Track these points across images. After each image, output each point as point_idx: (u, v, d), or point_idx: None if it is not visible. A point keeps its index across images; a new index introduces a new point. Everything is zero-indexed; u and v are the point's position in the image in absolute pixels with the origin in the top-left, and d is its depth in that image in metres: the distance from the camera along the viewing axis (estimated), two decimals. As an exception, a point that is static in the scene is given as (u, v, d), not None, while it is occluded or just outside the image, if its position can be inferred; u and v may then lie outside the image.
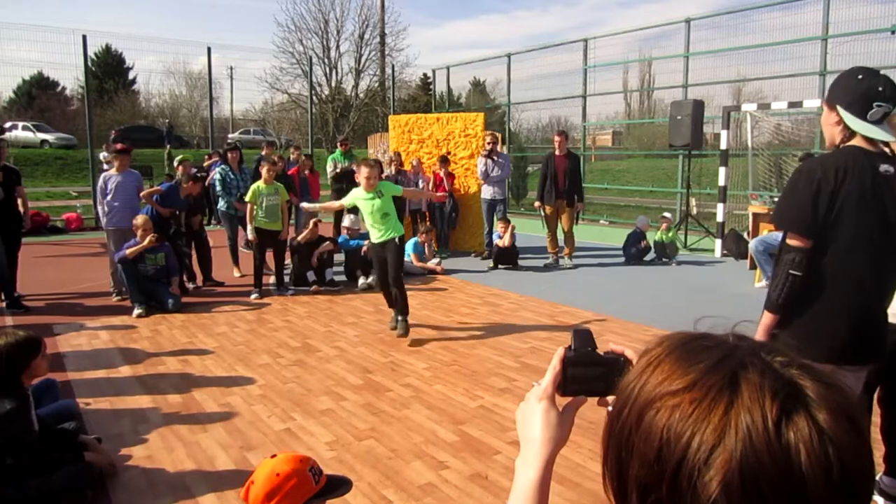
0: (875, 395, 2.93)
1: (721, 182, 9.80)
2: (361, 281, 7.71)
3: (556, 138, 8.75)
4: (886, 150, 2.16)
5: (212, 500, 3.04)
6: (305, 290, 7.56)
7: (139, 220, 6.60)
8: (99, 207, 7.12)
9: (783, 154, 11.44)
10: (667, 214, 9.59)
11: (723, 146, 9.79)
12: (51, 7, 61.82)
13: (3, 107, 28.87)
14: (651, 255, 9.33)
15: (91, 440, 3.41)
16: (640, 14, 76.98)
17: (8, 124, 21.44)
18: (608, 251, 10.04)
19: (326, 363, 5.01)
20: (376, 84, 30.56)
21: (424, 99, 28.93)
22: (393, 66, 22.16)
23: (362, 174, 5.53)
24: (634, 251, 9.19)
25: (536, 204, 9.15)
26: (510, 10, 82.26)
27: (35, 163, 20.39)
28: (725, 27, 12.86)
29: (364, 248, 7.79)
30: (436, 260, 8.88)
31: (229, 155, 8.59)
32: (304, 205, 6.83)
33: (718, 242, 9.89)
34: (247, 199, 7.18)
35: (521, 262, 8.96)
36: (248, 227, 7.17)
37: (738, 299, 6.86)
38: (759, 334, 2.23)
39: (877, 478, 2.91)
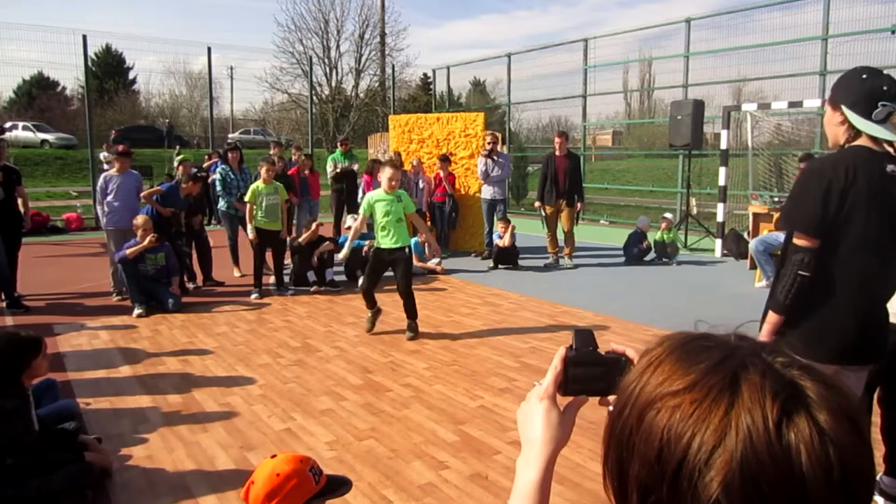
0: (875, 395, 2.93)
1: (721, 182, 9.80)
2: (361, 281, 7.70)
3: (557, 139, 8.75)
4: (890, 149, 2.16)
5: (212, 500, 3.04)
6: (305, 290, 7.56)
7: (139, 220, 6.61)
8: (98, 208, 7.11)
9: (783, 154, 11.44)
10: (668, 215, 9.59)
11: (723, 146, 9.79)
12: (51, 7, 61.87)
13: (4, 107, 28.87)
14: (651, 255, 9.33)
15: (91, 440, 3.41)
16: (640, 14, 77.00)
17: (8, 124, 21.44)
18: (608, 251, 10.04)
19: (326, 363, 5.01)
20: (376, 84, 30.57)
21: (424, 99, 28.93)
22: (393, 66, 22.17)
23: (385, 174, 5.47)
24: (636, 251, 9.19)
25: (536, 204, 9.15)
26: (510, 10, 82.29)
27: (35, 163, 20.39)
28: (725, 27, 12.87)
29: (365, 249, 7.79)
30: (436, 260, 8.87)
31: (229, 155, 8.59)
32: (339, 257, 6.23)
33: (719, 242, 9.89)
34: (246, 199, 7.18)
35: (521, 262, 8.95)
36: (249, 227, 7.16)
37: (738, 299, 6.86)
38: (765, 335, 2.22)
39: (877, 478, 2.91)
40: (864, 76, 2.12)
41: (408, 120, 10.99)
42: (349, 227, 8.20)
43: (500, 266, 8.81)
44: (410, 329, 5.67)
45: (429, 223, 9.79)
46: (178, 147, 18.75)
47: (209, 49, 16.05)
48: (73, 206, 14.26)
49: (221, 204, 8.33)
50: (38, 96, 28.57)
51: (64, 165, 21.00)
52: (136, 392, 4.44)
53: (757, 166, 11.33)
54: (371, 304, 5.78)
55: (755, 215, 8.70)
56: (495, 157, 9.30)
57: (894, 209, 2.11)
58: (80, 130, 20.42)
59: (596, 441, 3.33)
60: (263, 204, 7.10)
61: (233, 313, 6.59)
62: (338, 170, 10.31)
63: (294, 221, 9.17)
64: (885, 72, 2.16)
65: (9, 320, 6.25)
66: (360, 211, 5.60)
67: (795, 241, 2.18)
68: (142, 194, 7.19)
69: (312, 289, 7.54)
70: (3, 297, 6.71)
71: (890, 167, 2.11)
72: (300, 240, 7.78)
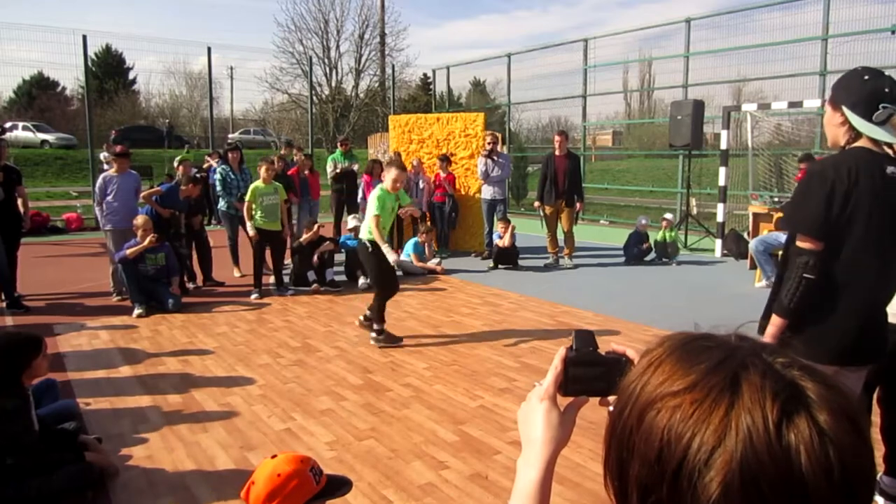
0: (875, 395, 2.93)
1: (721, 182, 9.81)
2: (361, 281, 7.71)
3: (556, 138, 8.76)
4: (890, 151, 2.15)
5: (212, 500, 3.04)
6: (305, 290, 7.56)
7: (139, 220, 6.61)
8: (97, 208, 7.10)
9: (783, 154, 11.45)
10: (668, 216, 9.60)
11: (723, 146, 9.79)
12: (51, 7, 61.87)
13: (4, 107, 28.88)
14: (651, 255, 9.34)
15: (91, 440, 3.41)
16: (640, 14, 77.01)
17: (8, 124, 21.42)
18: (608, 251, 10.05)
19: (326, 363, 5.01)
20: (376, 84, 30.57)
21: (424, 99, 28.93)
22: (393, 66, 22.17)
23: (392, 175, 5.31)
24: (636, 251, 9.20)
25: (536, 204, 9.15)
26: (510, 10, 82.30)
27: (35, 163, 20.39)
28: (725, 27, 12.87)
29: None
30: (436, 260, 8.88)
31: (230, 155, 8.59)
32: (391, 259, 5.34)
33: (719, 242, 9.89)
34: (246, 198, 7.18)
35: (521, 262, 8.96)
36: (248, 224, 7.16)
37: (738, 299, 6.86)
38: (769, 339, 2.21)
39: (877, 478, 2.91)
40: (866, 77, 2.11)
41: (408, 120, 10.99)
42: (351, 229, 8.22)
43: (500, 266, 8.81)
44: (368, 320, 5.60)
45: (429, 223, 9.80)
46: (186, 147, 18.73)
47: (209, 49, 16.06)
48: (73, 207, 14.26)
49: (221, 204, 8.33)
50: (38, 96, 28.57)
51: (64, 165, 21.01)
52: (136, 392, 4.44)
53: (757, 166, 11.33)
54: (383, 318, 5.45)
55: (755, 215, 8.70)
56: (495, 158, 9.30)
57: (894, 211, 2.11)
58: (80, 130, 20.42)
59: (596, 441, 3.33)
60: (263, 204, 7.09)
61: (233, 313, 6.59)
62: (338, 170, 10.31)
63: (294, 221, 9.16)
64: (885, 72, 2.16)
65: (9, 320, 6.25)
66: (375, 210, 5.23)
67: (799, 243, 2.17)
68: (141, 195, 7.19)
69: (312, 288, 7.54)
70: (2, 297, 6.70)
71: (890, 169, 2.11)
72: (302, 241, 7.77)
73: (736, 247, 9.50)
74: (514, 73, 17.16)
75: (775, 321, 2.23)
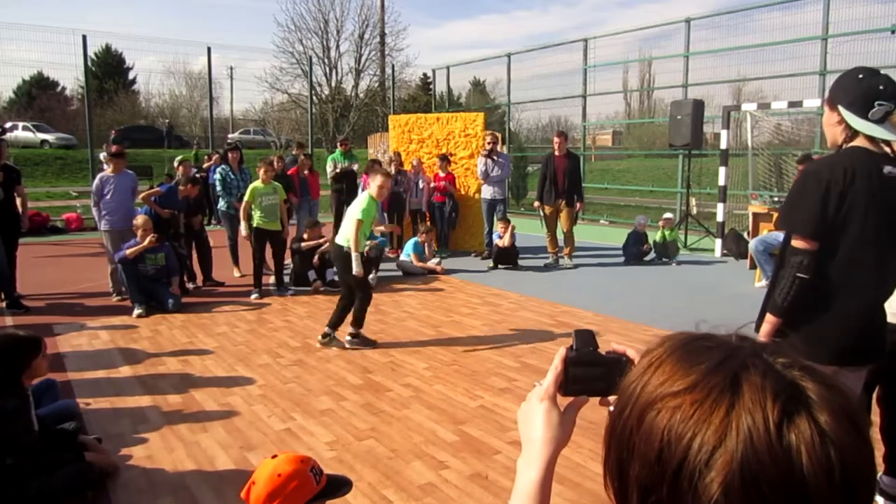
0: (874, 395, 2.93)
1: (721, 182, 9.81)
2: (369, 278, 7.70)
3: (556, 139, 8.76)
4: (888, 150, 2.15)
5: (212, 500, 3.04)
6: (305, 290, 7.56)
7: (139, 220, 6.60)
8: (94, 209, 7.07)
9: (783, 154, 11.44)
10: (668, 215, 9.60)
11: (723, 146, 9.79)
12: (51, 7, 61.87)
13: (4, 107, 28.88)
14: (651, 255, 9.34)
15: (91, 440, 3.41)
16: (640, 14, 77.06)
17: (8, 124, 21.41)
18: (608, 251, 10.05)
19: (326, 363, 5.01)
20: (376, 84, 30.56)
21: (424, 99, 28.93)
22: (393, 66, 22.19)
23: (377, 182, 5.27)
24: (635, 251, 9.20)
25: (536, 204, 9.15)
26: (510, 10, 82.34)
27: (35, 163, 20.37)
28: (725, 27, 12.88)
29: (366, 249, 7.78)
30: (436, 260, 8.88)
31: (230, 155, 8.59)
32: (356, 271, 5.37)
33: (718, 242, 9.90)
34: (245, 199, 7.18)
35: (521, 262, 8.96)
36: (242, 224, 7.16)
37: (738, 299, 6.86)
38: (764, 337, 2.22)
39: (877, 478, 2.91)
40: (861, 76, 2.12)
41: (407, 120, 10.99)
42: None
43: (500, 266, 8.81)
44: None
45: (428, 223, 9.80)
46: (196, 147, 18.70)
47: (209, 49, 16.07)
48: (72, 207, 14.25)
49: (221, 204, 8.33)
50: (37, 96, 28.57)
51: (64, 165, 20.99)
52: (136, 392, 4.44)
53: (757, 166, 11.33)
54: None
55: (755, 215, 8.70)
56: (495, 157, 9.30)
57: (892, 210, 2.11)
58: (79, 130, 20.42)
59: (596, 441, 3.33)
60: (262, 204, 7.08)
61: (233, 313, 6.59)
62: (337, 170, 10.30)
63: (294, 221, 9.16)
64: (883, 72, 2.16)
65: (9, 320, 6.25)
66: (360, 216, 5.19)
67: (794, 243, 2.18)
68: (140, 196, 7.19)
69: (312, 287, 7.54)
70: (2, 296, 6.70)
71: (887, 168, 2.11)
72: (303, 245, 7.75)
73: (736, 247, 9.50)
74: (513, 72, 17.17)
75: (769, 320, 2.24)
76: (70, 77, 31.96)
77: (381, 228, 5.40)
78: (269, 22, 54.74)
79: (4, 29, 15.40)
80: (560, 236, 9.00)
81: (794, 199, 2.22)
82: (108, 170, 7.04)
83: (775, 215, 7.78)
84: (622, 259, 9.28)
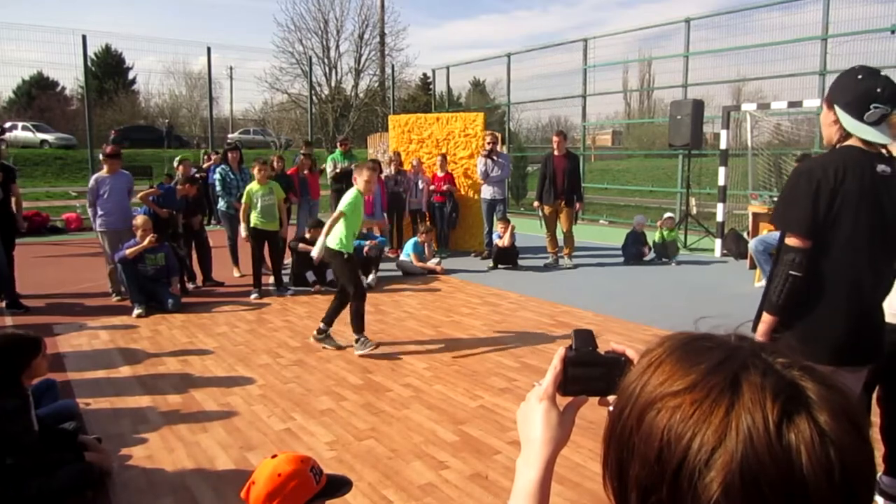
0: (874, 395, 2.93)
1: (721, 182, 9.80)
2: (370, 278, 7.70)
3: (555, 139, 8.76)
4: (883, 150, 2.15)
5: (212, 500, 3.04)
6: (305, 290, 7.56)
7: (139, 220, 6.60)
8: (90, 209, 7.04)
9: (783, 154, 11.44)
10: (669, 215, 9.60)
11: (722, 146, 9.79)
12: (51, 7, 61.89)
13: (3, 107, 28.88)
14: (651, 255, 9.34)
15: (91, 440, 3.41)
16: (640, 14, 77.11)
17: (8, 124, 21.39)
18: (608, 251, 10.04)
19: (326, 363, 5.00)
20: (376, 84, 30.56)
21: (424, 99, 28.93)
22: (393, 66, 22.19)
23: (364, 177, 5.29)
24: (634, 251, 9.20)
25: (535, 204, 9.16)
26: (510, 10, 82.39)
27: (35, 163, 20.38)
28: (725, 27, 12.88)
29: (366, 249, 7.79)
30: (436, 260, 8.88)
31: (229, 155, 8.59)
32: (314, 254, 5.44)
33: (718, 242, 9.89)
34: (242, 201, 7.18)
35: (520, 262, 8.96)
36: (242, 226, 7.16)
37: (738, 299, 6.86)
38: (760, 336, 2.22)
39: (877, 478, 2.90)
40: (860, 76, 2.12)
41: (407, 120, 10.99)
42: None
43: (499, 266, 8.81)
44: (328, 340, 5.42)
45: (428, 223, 9.80)
46: (204, 148, 18.70)
47: (209, 49, 16.06)
48: (72, 207, 14.24)
49: (221, 204, 8.33)
50: (37, 96, 28.57)
51: (63, 165, 20.99)
52: (135, 392, 4.44)
53: (756, 166, 11.33)
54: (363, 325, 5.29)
55: (755, 215, 8.70)
56: (495, 157, 9.30)
57: (884, 209, 2.11)
58: (79, 130, 20.41)
59: (596, 441, 3.33)
60: (259, 205, 7.07)
61: (232, 313, 6.58)
62: (337, 170, 10.30)
63: (294, 221, 9.16)
64: (883, 72, 2.16)
65: (9, 320, 6.25)
66: (344, 208, 5.16)
67: (787, 241, 2.19)
68: (138, 196, 7.17)
69: (314, 289, 7.54)
70: (2, 297, 6.69)
71: (881, 167, 2.11)
72: (300, 247, 7.74)
73: (736, 246, 9.50)
74: (513, 72, 17.17)
75: (764, 318, 2.25)
76: (70, 77, 32.00)
77: (376, 229, 5.40)
78: (269, 22, 54.86)
79: (4, 29, 15.41)
80: (560, 236, 9.00)
81: (787, 197, 2.23)
82: (103, 170, 6.99)
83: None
84: (622, 259, 9.28)
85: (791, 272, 2.15)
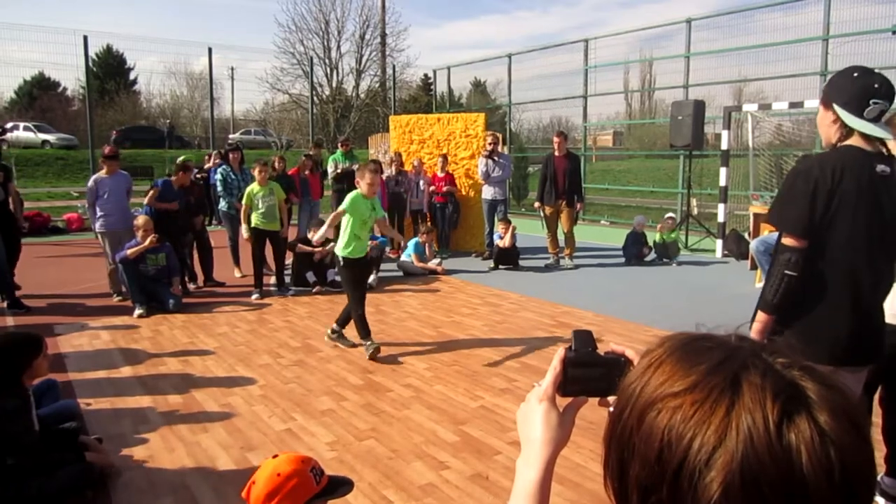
0: (875, 396, 2.93)
1: (722, 182, 9.80)
2: (370, 279, 7.69)
3: (556, 139, 8.76)
4: (883, 149, 2.15)
5: (212, 500, 3.04)
6: (306, 290, 7.56)
7: (140, 220, 6.60)
8: (89, 210, 7.03)
9: (784, 154, 11.43)
10: (671, 215, 9.59)
11: (724, 146, 9.79)
12: (51, 7, 62.02)
13: (5, 107, 28.93)
14: (652, 256, 9.33)
15: (92, 440, 3.41)
16: (641, 14, 77.17)
17: (9, 125, 21.45)
18: (609, 251, 10.04)
19: (327, 363, 5.01)
20: (377, 84, 30.61)
21: (425, 99, 28.95)
22: (394, 67, 22.22)
23: (366, 180, 5.18)
24: (635, 251, 9.19)
25: (536, 204, 9.16)
26: (511, 10, 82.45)
27: (36, 163, 20.41)
28: (726, 27, 12.87)
29: (367, 249, 7.76)
30: (436, 260, 8.88)
31: (230, 155, 8.60)
32: (316, 237, 5.59)
33: (719, 243, 9.89)
34: (243, 202, 7.18)
35: (521, 263, 8.95)
36: (243, 227, 7.17)
37: (738, 300, 6.85)
38: (755, 335, 2.22)
39: (878, 478, 2.91)
40: (856, 75, 2.12)
41: (408, 120, 11.00)
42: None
43: (500, 266, 8.81)
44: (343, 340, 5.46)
45: (429, 223, 9.80)
46: (212, 150, 18.69)
47: (210, 49, 16.09)
48: (73, 207, 14.25)
49: (222, 204, 8.33)
50: (38, 97, 28.63)
51: (65, 166, 21.02)
52: (136, 392, 4.44)
53: (758, 167, 11.33)
54: (367, 330, 5.20)
55: (756, 216, 8.70)
56: (496, 158, 9.30)
57: (884, 209, 2.11)
58: (80, 131, 20.46)
59: (596, 441, 3.33)
60: (259, 206, 7.08)
61: (233, 314, 6.59)
62: (338, 170, 10.31)
63: (295, 221, 9.16)
64: (883, 72, 2.16)
65: (9, 320, 6.26)
66: (344, 207, 5.13)
67: (783, 241, 2.19)
68: (145, 201, 7.16)
69: (315, 290, 7.54)
70: (3, 297, 6.70)
71: (880, 167, 2.11)
72: (299, 248, 7.74)
73: (737, 247, 9.50)
74: (514, 73, 17.17)
75: (759, 317, 2.25)
76: (71, 77, 31.93)
77: (376, 229, 5.47)
78: (270, 22, 54.73)
79: (6, 29, 15.46)
80: (561, 237, 9.00)
81: (784, 196, 2.22)
82: (102, 171, 6.97)
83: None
84: (623, 259, 9.27)
85: (787, 272, 2.15)
